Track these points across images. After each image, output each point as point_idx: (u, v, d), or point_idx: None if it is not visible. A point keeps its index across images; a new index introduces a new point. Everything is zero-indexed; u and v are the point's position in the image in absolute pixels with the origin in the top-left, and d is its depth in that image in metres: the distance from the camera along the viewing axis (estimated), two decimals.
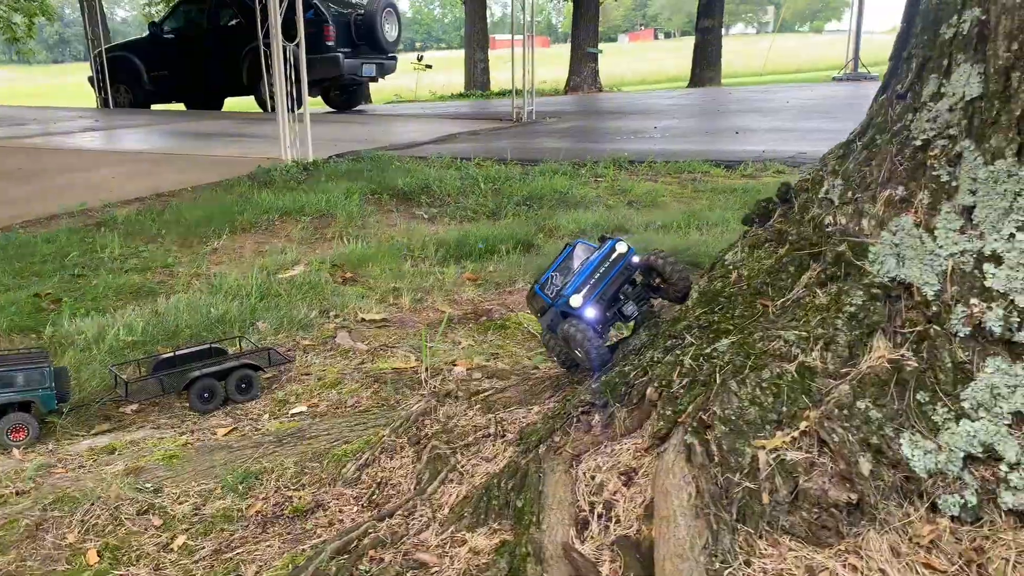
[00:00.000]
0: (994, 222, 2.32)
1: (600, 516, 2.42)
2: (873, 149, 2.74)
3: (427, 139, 17.93)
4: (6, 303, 6.71)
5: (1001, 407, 2.26)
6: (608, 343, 3.04)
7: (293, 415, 4.29)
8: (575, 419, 2.73)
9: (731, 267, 2.91)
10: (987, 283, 2.31)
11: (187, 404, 4.51)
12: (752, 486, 2.23)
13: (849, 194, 2.71)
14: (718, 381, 2.47)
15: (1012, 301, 2.28)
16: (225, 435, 4.07)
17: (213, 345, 4.98)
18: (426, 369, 4.29)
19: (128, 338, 5.53)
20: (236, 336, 5.22)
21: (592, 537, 2.36)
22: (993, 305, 2.30)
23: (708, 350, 2.62)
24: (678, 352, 2.69)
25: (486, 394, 3.57)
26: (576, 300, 2.91)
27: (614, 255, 2.97)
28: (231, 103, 28.00)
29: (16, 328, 6.17)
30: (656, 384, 2.62)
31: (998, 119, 2.34)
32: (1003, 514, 2.24)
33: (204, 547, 2.97)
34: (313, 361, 5.09)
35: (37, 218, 10.96)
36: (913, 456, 2.27)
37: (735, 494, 2.23)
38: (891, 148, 2.64)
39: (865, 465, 2.22)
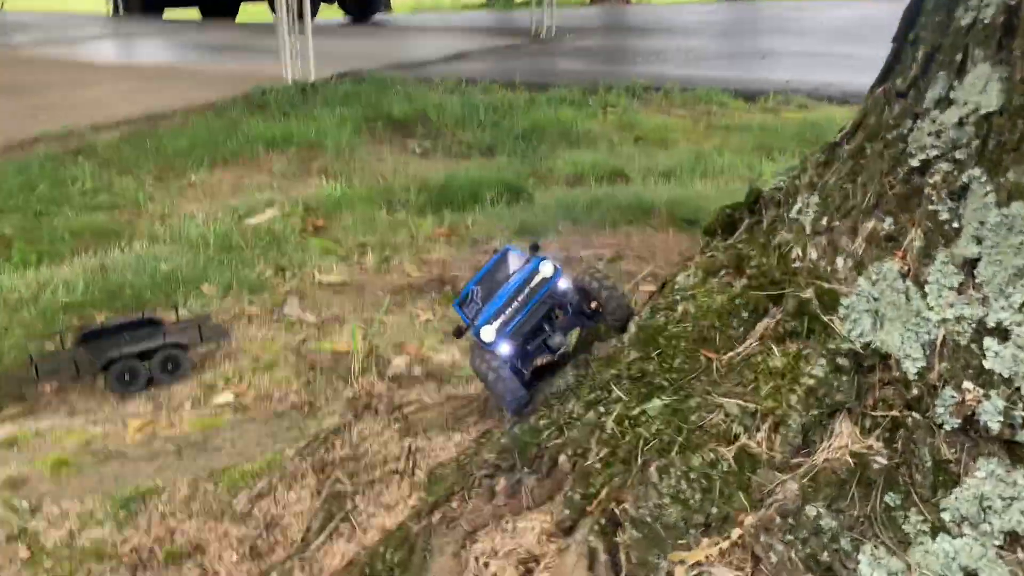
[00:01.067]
0: (1003, 284, 1.76)
1: None
2: (861, 160, 2.16)
3: (437, 57, 17.02)
4: None
5: (991, 523, 1.76)
6: (525, 387, 2.53)
7: (217, 406, 3.88)
8: (477, 482, 2.27)
9: (680, 296, 2.37)
10: (987, 363, 1.77)
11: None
12: None
13: (825, 220, 2.14)
14: (639, 463, 1.98)
15: (1018, 390, 1.75)
16: (137, 430, 3.68)
17: (147, 316, 4.55)
18: (356, 370, 3.83)
19: (66, 298, 5.12)
20: (173, 307, 4.78)
21: None
22: (992, 393, 1.76)
23: (636, 412, 2.12)
24: (601, 410, 2.19)
25: (408, 410, 3.11)
26: (488, 333, 2.41)
27: (537, 279, 2.45)
28: (247, 11, 26.93)
29: None
30: (570, 452, 2.14)
31: (1020, 145, 1.75)
32: None
33: None
34: (255, 335, 4.66)
35: (19, 142, 10.49)
36: None
37: None
38: (881, 165, 2.06)
39: None
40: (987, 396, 1.77)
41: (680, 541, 1.84)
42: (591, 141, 9.70)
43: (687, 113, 11.51)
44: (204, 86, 14.46)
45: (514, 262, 2.68)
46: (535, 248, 2.65)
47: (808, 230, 2.17)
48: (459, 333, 2.66)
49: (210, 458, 3.22)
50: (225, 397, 3.96)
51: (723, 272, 2.34)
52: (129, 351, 4.09)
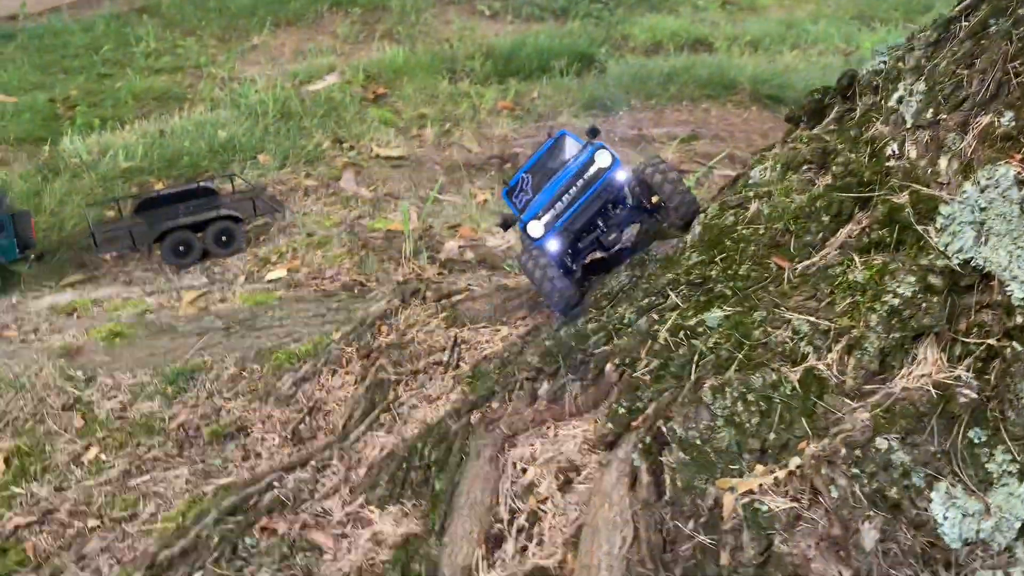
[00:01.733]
0: None
1: (520, 531, 1.90)
2: (982, 41, 1.82)
3: None
4: (23, 107, 6.35)
5: None
6: (577, 282, 2.35)
7: (269, 281, 3.85)
8: (519, 384, 2.15)
9: (753, 193, 2.12)
10: None
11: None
12: (708, 541, 1.65)
13: (930, 112, 1.84)
14: (692, 379, 1.81)
15: None
16: (190, 302, 3.68)
17: (201, 184, 4.49)
18: (407, 252, 3.70)
19: (126, 164, 5.10)
20: (229, 175, 4.70)
21: (503, 561, 1.86)
22: None
23: (693, 322, 1.93)
24: (655, 317, 2.01)
25: (457, 299, 2.99)
26: (535, 228, 2.21)
27: (592, 169, 2.21)
28: None
29: (27, 138, 5.84)
30: (618, 361, 1.98)
31: None
32: None
33: (114, 466, 2.65)
34: (311, 208, 4.57)
35: None
36: (946, 519, 1.61)
37: (683, 550, 1.65)
38: (1007, 47, 1.73)
39: (870, 534, 1.59)
40: None
41: (731, 467, 1.69)
42: (674, 4, 9.03)
43: None
44: None
45: (570, 148, 2.45)
46: (593, 133, 2.40)
47: (909, 123, 1.87)
48: (506, 224, 2.47)
49: (257, 337, 3.20)
50: (278, 273, 3.92)
51: (805, 167, 2.06)
52: (183, 223, 4.06)
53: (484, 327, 2.80)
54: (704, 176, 4.73)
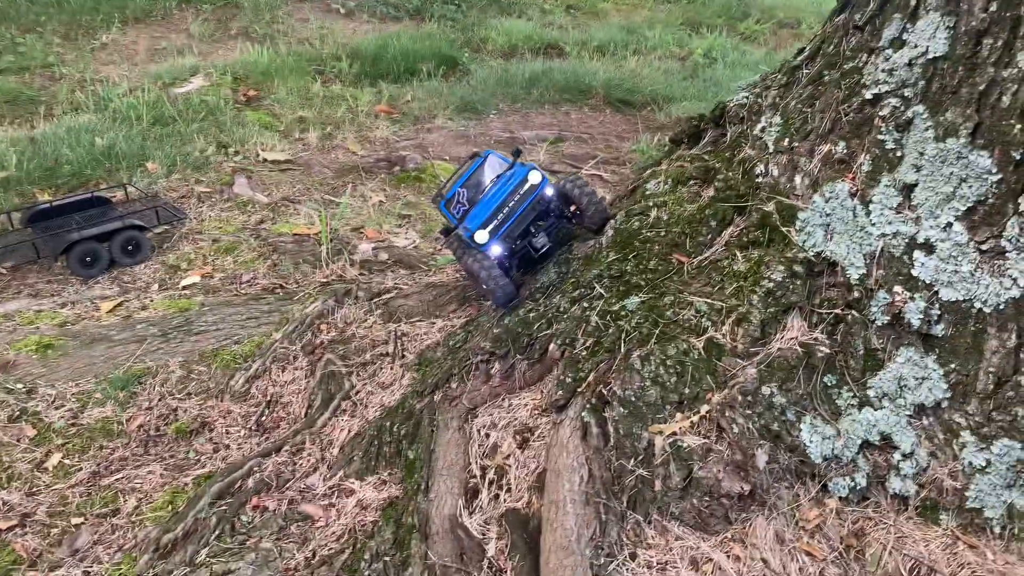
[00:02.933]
0: (933, 207, 2.12)
1: (491, 483, 2.34)
2: (819, 86, 2.44)
3: None
4: None
5: (905, 398, 2.20)
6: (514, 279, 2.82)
7: (184, 287, 4.01)
8: (474, 366, 2.58)
9: (651, 203, 2.66)
10: (914, 272, 2.15)
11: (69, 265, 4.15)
12: (646, 473, 2.16)
13: (786, 141, 2.44)
14: (622, 352, 2.32)
15: (936, 293, 2.14)
16: (109, 311, 3.79)
17: (95, 195, 4.53)
18: (326, 254, 4.00)
19: (1, 174, 4.99)
20: (121, 184, 4.75)
21: (481, 508, 2.30)
22: (916, 296, 2.15)
23: (616, 307, 2.44)
24: (585, 305, 2.50)
25: (387, 297, 3.36)
26: (481, 236, 2.64)
27: (526, 186, 2.67)
28: None
29: None
30: (559, 341, 2.46)
31: (959, 89, 2.06)
32: (888, 497, 2.25)
33: (82, 468, 2.83)
34: (208, 215, 4.72)
35: None
36: (811, 442, 2.21)
37: (628, 481, 2.16)
38: (838, 93, 2.35)
39: (762, 458, 2.16)
40: (912, 299, 2.16)
41: (659, 416, 2.21)
42: (522, 9, 9.60)
43: None
44: None
45: (496, 165, 2.89)
46: (517, 154, 2.85)
47: (771, 148, 2.46)
48: (447, 232, 2.88)
49: (196, 340, 3.41)
50: (191, 279, 4.08)
51: (692, 182, 2.62)
52: (90, 234, 4.12)
53: (420, 321, 3.20)
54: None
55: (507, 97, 6.64)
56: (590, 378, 2.33)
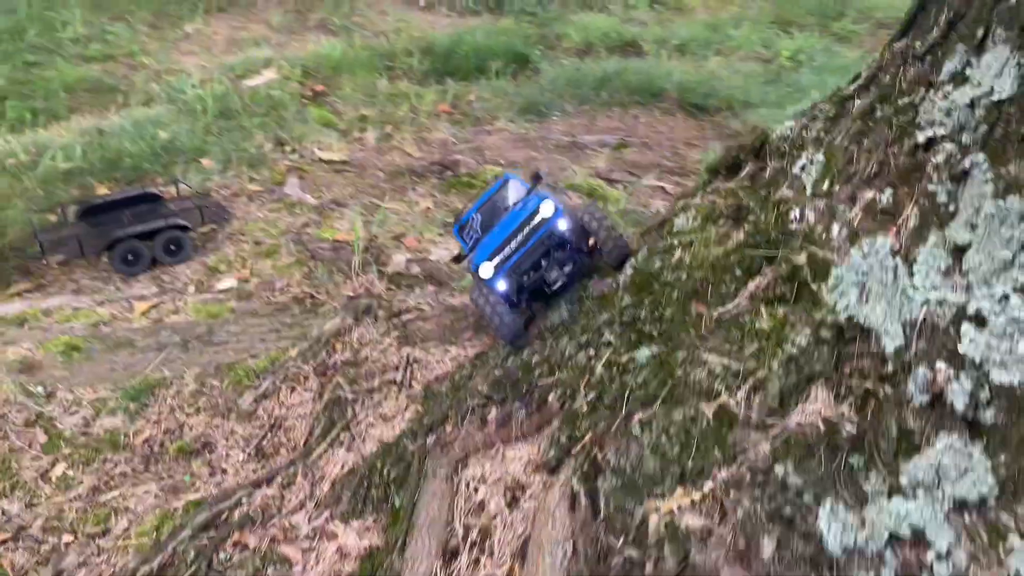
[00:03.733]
0: (987, 274, 1.81)
1: (473, 545, 2.17)
2: (870, 122, 2.14)
3: None
4: None
5: (944, 490, 1.90)
6: (523, 314, 2.62)
7: (219, 291, 3.99)
8: (470, 410, 2.40)
9: (677, 240, 2.41)
10: (961, 347, 1.84)
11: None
12: (636, 554, 1.95)
13: (826, 184, 2.15)
14: (623, 412, 2.10)
15: (986, 374, 1.83)
16: (142, 313, 3.80)
17: (147, 191, 4.57)
18: (356, 265, 3.89)
19: (65, 165, 5.11)
20: (173, 179, 4.78)
21: (459, 573, 2.12)
22: (962, 375, 1.85)
23: (625, 359, 2.21)
24: (592, 352, 2.29)
25: (407, 317, 3.22)
26: (486, 270, 2.46)
27: (537, 218, 2.46)
28: None
29: None
30: (559, 392, 2.26)
31: None
32: None
33: (82, 481, 2.80)
34: (256, 215, 4.69)
35: None
36: (830, 531, 1.94)
37: (615, 562, 1.95)
38: (888, 133, 2.05)
39: (768, 546, 1.91)
40: (957, 377, 1.85)
41: (656, 490, 1.99)
42: (606, 2, 9.30)
43: None
44: None
45: (514, 191, 2.69)
46: (537, 178, 2.65)
47: (808, 191, 2.18)
48: (458, 259, 2.71)
49: (215, 352, 3.36)
50: (228, 282, 4.06)
51: (722, 221, 2.36)
52: (132, 232, 4.14)
53: (434, 346, 3.04)
54: (633, 187, 5.04)
55: (575, 98, 6.41)
56: (586, 438, 2.12)
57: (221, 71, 6.90)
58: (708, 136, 5.85)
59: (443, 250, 4.26)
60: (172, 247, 4.24)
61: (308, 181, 5.06)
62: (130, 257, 4.16)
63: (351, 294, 3.67)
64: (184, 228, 4.27)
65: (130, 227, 4.15)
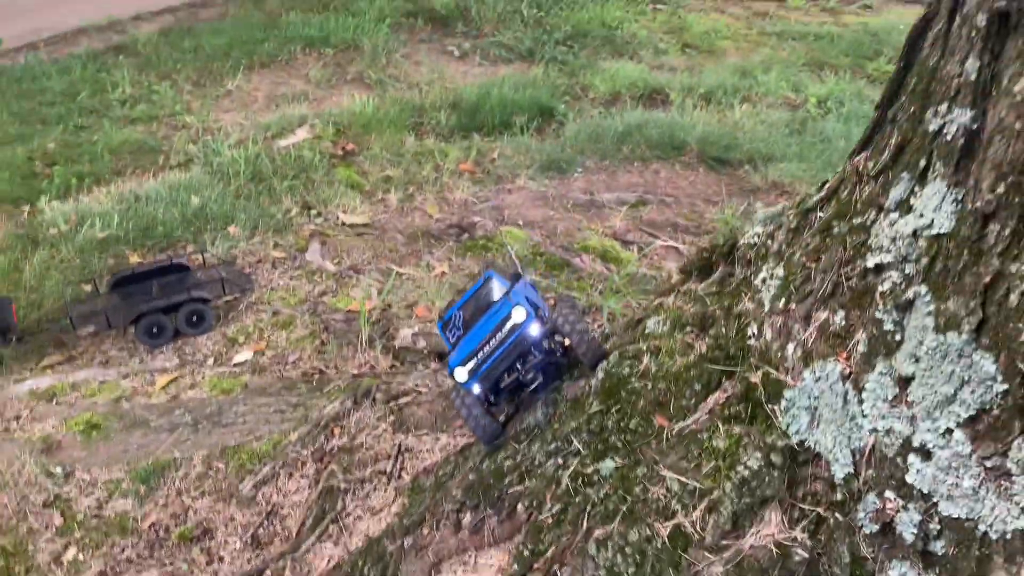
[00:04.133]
0: (931, 407, 1.81)
1: None
2: (827, 238, 2.16)
3: None
4: (2, 163, 6.59)
5: None
6: (501, 412, 2.68)
7: (236, 364, 4.14)
8: (446, 514, 2.47)
9: (647, 345, 2.45)
10: (909, 478, 1.85)
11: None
12: None
13: (783, 301, 2.17)
14: (583, 528, 2.14)
15: (935, 505, 1.83)
16: (162, 387, 3.97)
17: (175, 261, 4.77)
18: (363, 340, 4.01)
19: (102, 233, 5.37)
20: (201, 249, 4.98)
21: None
22: (911, 505, 1.85)
23: (590, 470, 2.26)
24: (560, 462, 2.34)
25: (403, 401, 3.31)
26: (461, 374, 2.53)
27: (508, 324, 2.53)
28: None
29: (5, 198, 6.08)
30: (527, 502, 2.31)
31: (962, 276, 1.75)
32: None
33: (92, 566, 2.95)
34: (277, 282, 4.86)
35: (62, 33, 10.61)
36: None
37: None
38: (843, 253, 2.06)
39: None
40: (905, 508, 1.85)
41: None
42: (635, 48, 9.37)
43: (742, 12, 10.96)
44: None
45: (497, 288, 2.76)
46: (516, 278, 2.72)
47: (767, 307, 2.20)
48: (441, 357, 2.78)
49: (223, 433, 3.50)
50: (245, 355, 4.21)
51: (688, 328, 2.39)
52: (156, 306, 4.34)
53: (426, 434, 3.12)
54: (647, 248, 5.07)
55: (596, 153, 6.47)
56: (548, 553, 2.17)
57: (257, 130, 7.16)
58: (726, 192, 5.84)
59: None
60: (194, 319, 4.43)
61: (330, 246, 5.22)
62: (154, 330, 4.35)
63: (356, 372, 3.78)
64: (205, 300, 4.44)
65: (154, 301, 4.34)
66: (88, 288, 4.75)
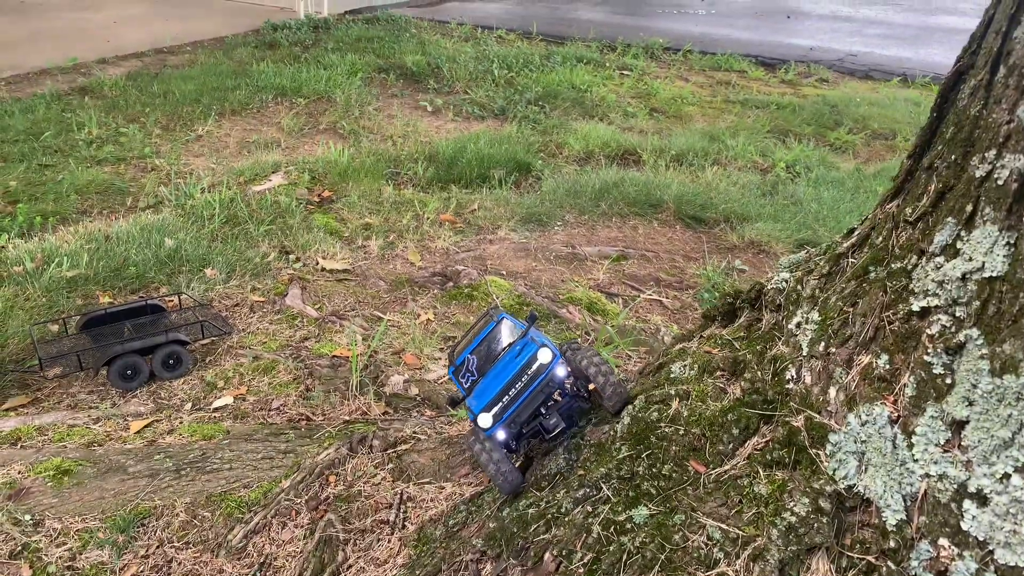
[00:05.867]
0: (987, 452, 1.79)
1: None
2: (864, 283, 2.16)
3: None
4: None
5: None
6: (520, 458, 2.59)
7: (215, 409, 3.96)
8: (464, 565, 2.35)
9: (674, 390, 2.40)
10: (964, 525, 1.81)
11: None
12: None
13: (822, 345, 2.16)
14: None
15: (991, 553, 1.79)
16: (137, 432, 3.76)
17: (149, 302, 4.59)
18: (354, 386, 3.89)
19: (70, 272, 5.15)
20: (176, 292, 4.81)
21: None
22: (966, 554, 1.81)
23: (623, 517, 2.18)
24: (589, 509, 2.25)
25: (402, 449, 3.18)
26: (485, 420, 2.44)
27: (535, 366, 2.46)
28: None
29: None
30: (556, 551, 2.21)
31: (1019, 319, 1.76)
32: None
33: None
34: (257, 326, 4.70)
35: (26, 73, 10.40)
36: None
37: None
38: (883, 297, 2.06)
39: None
40: (961, 556, 1.81)
41: None
42: (605, 110, 9.57)
43: (706, 81, 11.31)
44: (214, 17, 14.21)
45: (507, 332, 2.70)
46: (532, 320, 2.66)
47: (805, 350, 2.18)
48: (454, 403, 2.69)
49: (207, 480, 3.30)
50: (224, 400, 4.03)
51: (718, 373, 2.36)
52: (132, 348, 4.14)
53: (429, 483, 3.00)
54: (632, 302, 5.06)
55: (575, 208, 6.51)
56: None
57: (230, 175, 7.04)
58: (706, 249, 5.91)
59: (441, 368, 4.25)
60: (171, 362, 4.24)
61: (310, 292, 5.10)
62: (128, 372, 4.15)
63: (347, 418, 3.64)
64: (183, 343, 4.27)
65: (129, 343, 4.15)
66: (56, 328, 4.53)
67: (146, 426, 3.85)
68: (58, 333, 4.49)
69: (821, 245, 2.48)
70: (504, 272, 5.48)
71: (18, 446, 3.72)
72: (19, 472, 3.46)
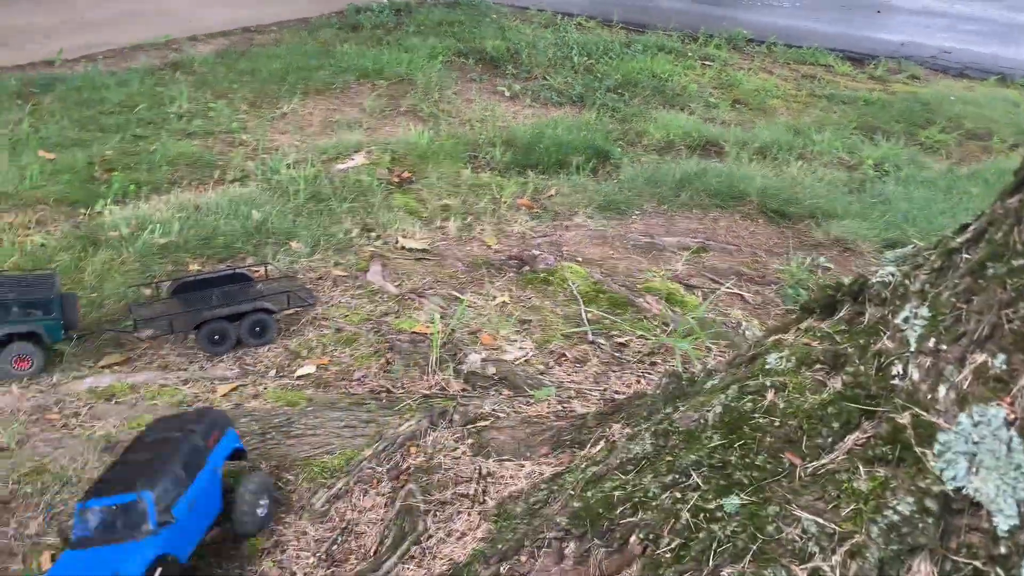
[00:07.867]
0: None
1: None
2: (980, 280, 2.08)
3: None
4: (62, 167, 6.60)
5: None
6: None
7: (299, 377, 4.06)
8: (547, 542, 2.35)
9: (769, 381, 2.36)
10: None
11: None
12: None
13: (932, 341, 2.08)
14: (710, 565, 2.02)
15: None
16: (224, 395, 3.88)
17: (237, 271, 4.72)
18: (433, 362, 3.93)
19: (162, 240, 5.33)
20: (263, 262, 4.94)
21: None
22: None
23: (712, 505, 2.15)
24: (678, 495, 2.23)
25: (482, 425, 3.21)
26: None
27: None
28: None
29: (65, 199, 6.07)
30: (642, 535, 2.20)
31: None
32: None
33: None
34: (339, 300, 4.79)
35: (120, 48, 10.77)
36: None
37: None
38: (1002, 294, 1.98)
39: None
40: None
41: None
42: (686, 100, 9.42)
43: (790, 74, 11.04)
44: None
45: None
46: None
47: (913, 346, 2.11)
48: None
49: (291, 445, 3.39)
50: (308, 369, 4.13)
51: (817, 366, 2.30)
52: (221, 314, 4.27)
53: (508, 460, 3.02)
54: (712, 295, 4.99)
55: (654, 197, 6.44)
56: None
57: (314, 152, 7.17)
58: (790, 245, 5.78)
59: (518, 350, 4.26)
60: (257, 329, 4.35)
61: (390, 269, 5.17)
62: (216, 337, 4.28)
63: (427, 392, 3.69)
64: (269, 311, 4.38)
65: (219, 308, 4.28)
66: (148, 292, 4.69)
67: (232, 390, 3.97)
68: (150, 297, 4.65)
69: (931, 240, 2.40)
70: (580, 259, 5.46)
71: (112, 401, 3.87)
72: (114, 427, 3.61)
